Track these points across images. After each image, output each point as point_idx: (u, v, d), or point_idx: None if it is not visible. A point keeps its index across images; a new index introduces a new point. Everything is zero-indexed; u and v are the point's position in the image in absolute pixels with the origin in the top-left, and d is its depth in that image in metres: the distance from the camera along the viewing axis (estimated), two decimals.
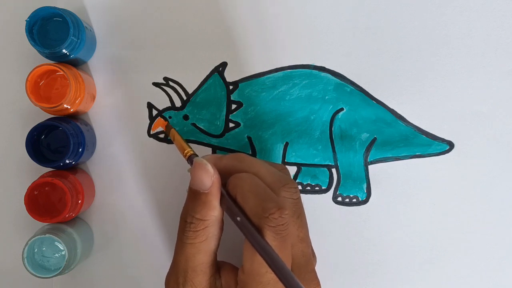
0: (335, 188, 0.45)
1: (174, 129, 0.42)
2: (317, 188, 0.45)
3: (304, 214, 0.38)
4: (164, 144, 0.45)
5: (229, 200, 0.36)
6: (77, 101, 0.42)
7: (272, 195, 0.35)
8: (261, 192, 0.35)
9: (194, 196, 0.36)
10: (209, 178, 0.36)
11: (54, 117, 0.43)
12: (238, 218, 0.35)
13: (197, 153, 0.40)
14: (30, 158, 0.41)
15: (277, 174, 0.37)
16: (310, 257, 0.37)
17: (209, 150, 0.45)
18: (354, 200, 0.45)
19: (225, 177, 0.37)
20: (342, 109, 0.45)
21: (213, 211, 0.36)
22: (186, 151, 0.39)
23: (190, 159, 0.39)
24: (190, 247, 0.36)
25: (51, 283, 0.45)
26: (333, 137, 0.45)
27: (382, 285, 0.45)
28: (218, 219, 0.37)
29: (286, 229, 0.34)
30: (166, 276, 0.37)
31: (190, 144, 0.45)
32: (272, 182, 0.37)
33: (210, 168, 0.36)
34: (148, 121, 0.45)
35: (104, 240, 0.45)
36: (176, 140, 0.41)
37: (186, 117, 0.45)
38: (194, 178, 0.36)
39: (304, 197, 0.45)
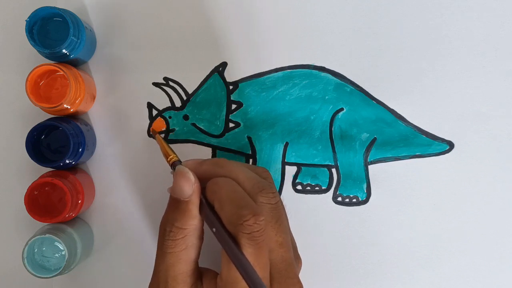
0: (335, 188, 0.45)
1: (158, 134, 0.42)
2: (317, 188, 0.45)
3: (285, 219, 0.38)
4: None
5: (207, 208, 0.36)
6: (77, 101, 0.42)
7: (248, 201, 0.35)
8: (237, 199, 0.35)
9: (174, 204, 0.37)
10: (189, 186, 0.36)
11: (54, 117, 0.43)
12: (214, 229, 0.35)
13: (188, 157, 0.40)
14: (30, 158, 0.41)
15: (256, 180, 0.37)
16: (290, 262, 0.37)
17: (209, 150, 0.45)
18: (354, 200, 0.45)
19: (205, 182, 0.37)
20: (342, 109, 0.45)
21: (193, 220, 0.36)
22: (170, 157, 0.40)
23: (174, 165, 0.39)
24: (170, 256, 0.36)
25: (51, 283, 0.45)
26: (333, 137, 0.45)
27: (381, 285, 0.45)
28: (197, 227, 0.37)
29: (261, 235, 0.34)
30: (148, 286, 0.37)
31: (190, 145, 0.45)
32: (250, 188, 0.37)
33: (191, 177, 0.36)
34: (148, 121, 0.45)
35: (104, 240, 0.45)
36: (160, 145, 0.41)
37: (186, 117, 0.45)
38: (175, 186, 0.36)
39: (304, 197, 0.45)
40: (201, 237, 0.37)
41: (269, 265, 0.35)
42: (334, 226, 0.45)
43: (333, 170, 0.45)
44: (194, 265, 0.37)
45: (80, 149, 0.42)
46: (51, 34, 0.41)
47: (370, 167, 0.45)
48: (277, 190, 0.40)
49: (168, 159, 0.40)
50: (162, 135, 0.45)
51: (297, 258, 0.40)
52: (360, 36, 0.45)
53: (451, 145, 0.45)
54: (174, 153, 0.40)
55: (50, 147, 0.42)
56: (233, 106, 0.45)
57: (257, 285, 0.33)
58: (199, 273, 0.37)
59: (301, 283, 0.37)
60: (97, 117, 0.45)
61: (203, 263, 0.38)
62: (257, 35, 0.45)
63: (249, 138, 0.45)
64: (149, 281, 0.38)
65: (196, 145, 0.45)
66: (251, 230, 0.34)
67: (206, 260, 0.39)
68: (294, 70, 0.45)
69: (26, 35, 0.40)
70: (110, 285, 0.45)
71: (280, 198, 0.38)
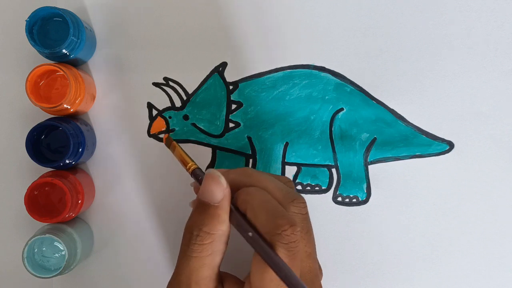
0: (335, 188, 0.45)
1: (175, 142, 0.41)
2: (317, 188, 0.45)
3: (312, 230, 0.38)
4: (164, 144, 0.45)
5: (238, 215, 0.35)
6: (77, 101, 0.42)
7: (283, 211, 0.35)
8: (272, 208, 0.35)
9: (203, 208, 0.35)
10: (221, 191, 0.35)
11: (54, 117, 0.43)
12: (250, 233, 0.34)
13: (198, 160, 0.39)
14: (30, 158, 0.41)
15: (285, 189, 0.37)
16: (316, 273, 0.37)
17: (209, 150, 0.45)
18: (354, 200, 0.45)
19: (232, 191, 0.36)
20: (342, 109, 0.45)
21: (222, 225, 0.35)
22: (189, 165, 0.38)
23: (194, 173, 0.38)
24: (194, 261, 0.35)
25: (51, 283, 0.45)
26: (333, 137, 0.45)
27: (382, 285, 0.45)
28: (225, 233, 0.36)
29: (297, 246, 0.34)
30: (167, 286, 0.37)
31: (190, 145, 0.45)
32: (281, 198, 0.36)
33: (223, 181, 0.35)
34: (148, 121, 0.45)
35: (104, 240, 0.45)
36: (177, 153, 0.40)
37: (186, 117, 0.45)
38: (204, 190, 0.35)
39: (304, 197, 0.45)
40: (226, 242, 0.36)
41: (299, 275, 0.35)
42: (334, 226, 0.45)
43: (333, 170, 0.45)
44: (217, 269, 0.36)
45: (80, 149, 0.42)
46: (51, 34, 0.41)
47: (370, 167, 0.45)
48: None
49: (188, 167, 0.38)
50: (162, 135, 0.45)
51: (320, 269, 0.40)
52: (360, 36, 0.45)
53: (451, 145, 0.45)
54: (193, 160, 0.39)
55: (50, 147, 0.42)
56: (233, 106, 0.45)
57: None
58: (221, 278, 0.37)
59: None
60: (97, 117, 0.45)
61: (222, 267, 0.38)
62: (257, 35, 0.45)
63: (249, 138, 0.45)
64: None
65: (196, 145, 0.45)
66: (289, 240, 0.33)
67: (224, 265, 0.39)
68: (294, 70, 0.45)
69: (26, 35, 0.40)
70: (110, 285, 0.45)
71: (307, 209, 0.38)
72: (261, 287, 0.34)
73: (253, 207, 0.35)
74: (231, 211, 0.36)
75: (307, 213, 0.37)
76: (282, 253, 0.33)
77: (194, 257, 0.35)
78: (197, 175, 0.38)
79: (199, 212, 0.36)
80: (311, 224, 0.38)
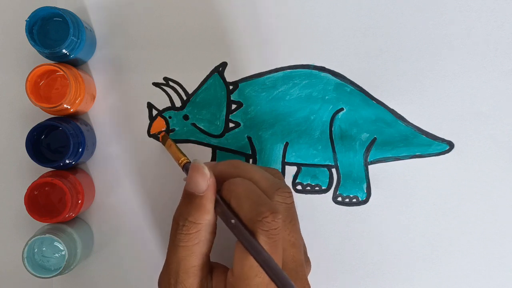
0: (335, 188, 0.45)
1: (170, 139, 0.42)
2: (317, 188, 0.45)
3: (297, 219, 0.38)
4: None
5: (223, 204, 0.36)
6: (77, 101, 0.42)
7: (266, 199, 0.35)
8: (255, 197, 0.35)
9: (189, 199, 0.36)
10: (205, 181, 0.36)
11: (54, 117, 0.43)
12: (233, 221, 0.35)
13: (194, 159, 0.40)
14: (30, 158, 0.41)
15: (271, 179, 0.37)
16: (301, 263, 0.37)
17: (209, 150, 0.45)
18: (354, 200, 0.45)
19: (220, 183, 0.37)
20: (342, 109, 0.45)
21: (207, 215, 0.36)
22: (181, 160, 0.39)
23: (185, 167, 0.39)
24: (182, 250, 0.36)
25: (51, 283, 0.45)
26: (333, 137, 0.45)
27: (382, 285, 0.45)
28: (211, 223, 0.37)
29: (278, 234, 0.34)
30: (159, 276, 0.38)
31: (190, 145, 0.45)
32: (266, 187, 0.37)
33: (206, 171, 0.36)
34: (148, 121, 0.45)
35: (104, 240, 0.45)
36: (172, 150, 0.41)
37: (186, 117, 0.45)
38: (189, 181, 0.36)
39: (304, 197, 0.45)
40: (213, 232, 0.37)
41: (281, 263, 0.36)
42: (334, 226, 0.45)
43: (333, 170, 0.45)
44: (205, 258, 0.37)
45: (80, 149, 0.42)
46: (51, 34, 0.41)
47: (370, 167, 0.45)
48: None
49: (180, 162, 0.39)
50: (159, 136, 0.45)
51: (307, 261, 0.40)
52: (360, 36, 0.45)
53: (451, 145, 0.45)
54: (185, 155, 0.40)
55: (50, 147, 0.42)
56: (233, 106, 0.45)
57: (278, 274, 0.33)
58: (210, 267, 0.38)
59: (309, 285, 0.37)
60: (97, 117, 0.45)
61: (212, 257, 0.39)
62: (257, 35, 0.45)
63: (249, 138, 0.45)
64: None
65: (196, 145, 0.45)
66: (269, 227, 0.34)
67: (214, 255, 0.39)
68: (294, 70, 0.45)
69: (26, 35, 0.40)
70: (110, 285, 0.45)
71: (293, 199, 0.38)
72: (242, 274, 0.34)
73: (238, 196, 0.35)
74: (216, 201, 0.36)
75: (292, 203, 0.37)
76: (262, 240, 0.34)
77: (182, 246, 0.36)
78: (188, 169, 0.38)
79: (185, 202, 0.37)
80: (296, 214, 0.38)
